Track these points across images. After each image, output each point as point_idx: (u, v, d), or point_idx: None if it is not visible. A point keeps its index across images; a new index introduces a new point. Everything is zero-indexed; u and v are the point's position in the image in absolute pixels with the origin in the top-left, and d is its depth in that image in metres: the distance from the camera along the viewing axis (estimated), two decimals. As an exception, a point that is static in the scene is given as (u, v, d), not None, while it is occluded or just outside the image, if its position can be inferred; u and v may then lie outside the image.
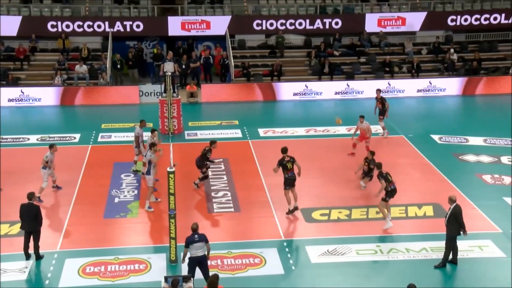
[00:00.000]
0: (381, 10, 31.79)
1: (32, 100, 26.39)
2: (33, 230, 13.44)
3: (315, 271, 13.35)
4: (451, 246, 13.38)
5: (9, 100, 26.23)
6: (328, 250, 14.14)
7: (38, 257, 13.50)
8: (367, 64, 30.17)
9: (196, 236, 12.31)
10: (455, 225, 13.20)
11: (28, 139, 21.48)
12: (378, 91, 22.60)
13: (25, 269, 13.17)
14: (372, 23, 31.10)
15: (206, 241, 12.40)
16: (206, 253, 12.40)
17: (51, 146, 16.74)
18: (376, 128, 21.71)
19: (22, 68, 28.33)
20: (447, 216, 13.31)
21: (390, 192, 15.20)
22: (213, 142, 17.69)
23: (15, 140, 21.39)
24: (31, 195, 13.58)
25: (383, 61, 29.88)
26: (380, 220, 15.57)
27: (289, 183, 15.79)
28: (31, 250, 13.52)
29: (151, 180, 16.11)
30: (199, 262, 12.33)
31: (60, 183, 17.61)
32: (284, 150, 16.05)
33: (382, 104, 22.11)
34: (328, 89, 28.15)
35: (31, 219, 13.38)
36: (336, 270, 13.40)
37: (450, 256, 13.46)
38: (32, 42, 28.96)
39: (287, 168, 15.74)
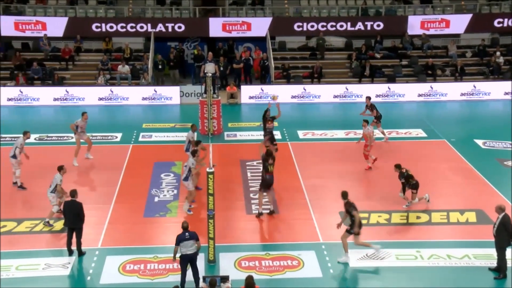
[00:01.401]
0: (424, 12, 31.33)
1: (76, 100, 26.94)
2: (76, 226, 13.68)
3: (353, 275, 13.23)
4: (501, 256, 13.04)
5: (54, 99, 26.83)
6: (367, 254, 13.99)
7: (80, 253, 13.76)
8: (409, 67, 29.77)
9: (187, 234, 12.45)
10: (504, 235, 12.85)
11: (72, 137, 21.88)
12: (368, 98, 22.13)
13: (68, 265, 13.43)
14: (414, 25, 30.66)
15: (197, 239, 12.49)
16: (196, 250, 12.48)
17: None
18: (376, 133, 21.15)
19: (67, 68, 28.95)
20: (496, 225, 12.97)
21: (414, 185, 15.89)
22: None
23: (59, 138, 21.85)
24: (74, 193, 13.82)
25: (425, 64, 29.42)
26: (421, 225, 15.36)
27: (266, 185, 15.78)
28: (74, 247, 13.77)
29: (190, 185, 16.02)
30: (190, 259, 12.45)
31: (101, 181, 17.95)
32: (270, 153, 16.04)
33: (372, 111, 21.66)
34: (368, 92, 27.74)
35: (74, 216, 13.62)
36: (375, 275, 13.25)
37: (496, 264, 13.12)
38: (77, 43, 29.58)
39: (267, 170, 15.75)
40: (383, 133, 21.62)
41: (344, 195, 13.87)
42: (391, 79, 28.82)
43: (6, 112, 25.80)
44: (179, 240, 12.38)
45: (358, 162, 19.67)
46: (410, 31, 30.69)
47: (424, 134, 22.55)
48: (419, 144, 21.43)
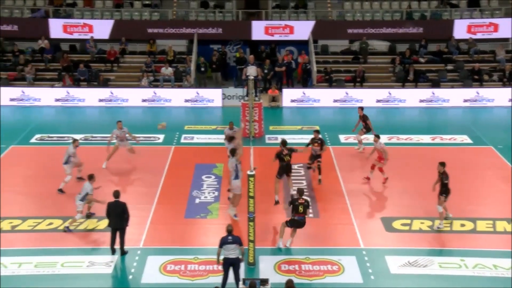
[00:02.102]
0: (471, 16, 30.71)
1: (120, 101, 27.39)
2: (120, 227, 13.88)
3: (394, 282, 13.03)
4: None
5: (99, 100, 27.35)
6: (409, 261, 13.77)
7: (123, 252, 13.96)
8: (454, 71, 29.21)
9: (230, 237, 12.42)
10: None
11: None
12: (360, 109, 21.42)
13: (111, 263, 13.65)
14: (461, 29, 30.12)
15: (240, 243, 12.45)
16: (240, 256, 12.46)
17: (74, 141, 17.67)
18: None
19: (112, 69, 29.49)
20: None
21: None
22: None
23: (103, 138, 22.23)
24: (117, 193, 14.02)
25: (471, 68, 28.82)
26: (465, 233, 15.06)
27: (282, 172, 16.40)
28: (117, 246, 13.98)
29: (239, 187, 15.73)
30: (232, 264, 12.41)
31: (143, 182, 18.18)
32: (284, 143, 16.76)
33: (364, 122, 20.98)
34: (412, 97, 27.49)
35: (117, 217, 13.82)
36: (416, 282, 13.02)
37: None
38: (122, 45, 30.10)
39: (284, 161, 16.39)
40: (360, 142, 20.99)
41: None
42: (436, 84, 28.34)
43: (53, 112, 26.46)
44: (222, 242, 12.40)
45: (399, 168, 19.41)
46: (456, 35, 30.12)
47: (469, 141, 22.09)
48: (464, 151, 21.00)
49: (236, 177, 15.73)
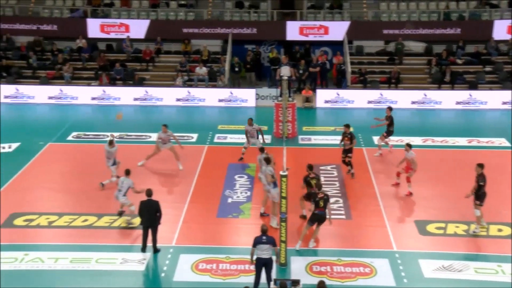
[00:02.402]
0: (512, 17, 30.08)
1: (155, 100, 27.67)
2: (152, 225, 13.97)
3: (428, 286, 12.86)
4: None
5: (134, 99, 27.69)
6: (443, 266, 13.56)
7: (155, 250, 14.10)
8: (492, 73, 28.64)
9: (264, 237, 12.38)
10: None
11: (150, 136, 22.53)
12: (389, 109, 20.71)
13: (143, 261, 13.80)
14: (501, 30, 29.48)
15: (274, 244, 12.40)
16: (273, 256, 12.43)
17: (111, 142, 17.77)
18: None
19: (147, 69, 29.82)
20: None
21: (315, 216, 14.38)
22: (262, 149, 17.58)
23: (138, 137, 22.51)
24: (150, 192, 14.11)
25: (511, 70, 28.19)
26: (503, 238, 14.77)
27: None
28: (149, 243, 14.13)
29: (276, 195, 15.10)
30: (265, 264, 12.37)
31: (177, 181, 18.33)
32: (310, 167, 15.82)
33: (389, 124, 20.34)
34: (448, 99, 27.07)
35: (150, 215, 13.89)
36: (451, 287, 12.80)
37: None
38: (157, 45, 30.41)
39: (311, 186, 15.31)
40: (379, 147, 20.52)
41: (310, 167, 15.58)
42: (473, 86, 27.83)
43: (89, 110, 26.89)
44: (256, 242, 12.41)
45: (434, 171, 19.15)
46: (496, 36, 29.51)
47: (508, 144, 21.64)
48: (502, 154, 20.56)
49: (275, 185, 15.37)
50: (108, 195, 16.99)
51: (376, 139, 21.20)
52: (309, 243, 14.54)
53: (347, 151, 18.72)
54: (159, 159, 19.87)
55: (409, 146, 17.66)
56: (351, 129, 19.26)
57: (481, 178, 14.97)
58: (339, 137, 22.56)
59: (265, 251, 12.35)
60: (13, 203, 16.66)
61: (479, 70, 28.75)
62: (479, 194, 14.98)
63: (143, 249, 14.10)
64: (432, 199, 17.24)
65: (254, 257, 12.44)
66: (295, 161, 19.68)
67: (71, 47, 30.58)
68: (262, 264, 12.38)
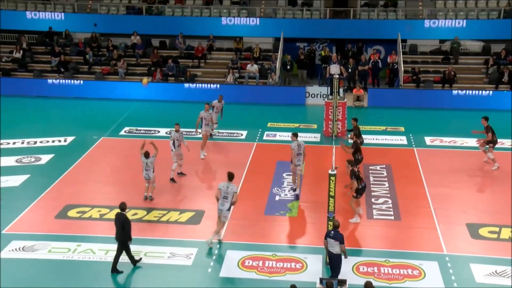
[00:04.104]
0: None
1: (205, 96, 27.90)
2: (122, 241, 13.21)
3: (479, 292, 12.53)
4: None
5: (184, 95, 28.01)
6: (496, 271, 13.18)
7: (134, 263, 13.44)
8: (553, 73, 27.61)
9: (332, 232, 12.49)
10: None
11: (199, 132, 22.73)
12: (485, 119, 19.30)
13: (191, 256, 13.94)
14: None
15: (341, 241, 12.38)
16: (339, 252, 12.43)
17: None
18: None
19: (199, 65, 30.12)
20: None
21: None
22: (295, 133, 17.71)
23: (188, 132, 22.74)
24: (122, 206, 13.32)
25: None
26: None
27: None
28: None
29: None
30: (330, 258, 12.52)
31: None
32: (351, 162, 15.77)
33: (487, 134, 18.98)
34: (507, 99, 26.24)
35: (119, 229, 13.15)
36: (503, 294, 12.45)
37: None
38: (209, 41, 30.68)
39: (362, 180, 15.60)
40: (493, 160, 19.01)
41: (350, 162, 15.58)
42: (532, 87, 26.92)
43: (142, 106, 27.35)
44: (326, 235, 12.60)
45: (489, 173, 18.61)
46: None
47: None
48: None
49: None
50: (157, 190, 17.25)
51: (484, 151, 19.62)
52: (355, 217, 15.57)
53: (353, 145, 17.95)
54: (209, 155, 20.05)
55: None
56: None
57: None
58: (390, 137, 22.38)
59: (331, 246, 12.46)
60: (67, 195, 17.17)
61: (540, 70, 27.77)
62: None
63: (113, 268, 13.23)
64: (486, 202, 16.79)
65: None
66: (344, 160, 19.49)
67: (126, 43, 31.23)
68: (329, 257, 12.56)
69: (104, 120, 24.62)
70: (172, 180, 18.07)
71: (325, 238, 12.61)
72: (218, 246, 14.43)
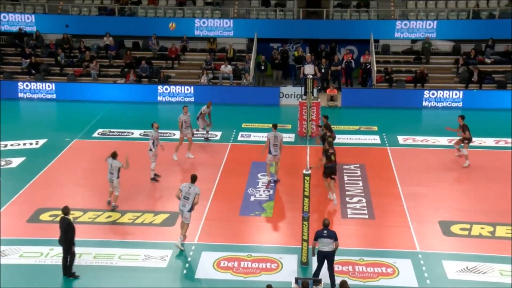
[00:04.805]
0: (543, 15, 29.50)
1: (181, 98, 27.81)
2: (64, 245, 12.90)
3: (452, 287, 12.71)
4: None
5: (159, 97, 27.88)
6: (467, 267, 13.38)
7: (68, 274, 12.98)
8: (522, 73, 28.16)
9: (325, 231, 12.55)
10: None
11: (174, 134, 22.67)
12: (461, 117, 19.67)
13: (166, 258, 13.86)
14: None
15: (335, 239, 12.50)
16: (334, 250, 12.53)
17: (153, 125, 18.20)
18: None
19: (173, 66, 29.99)
20: None
21: (327, 169, 16.55)
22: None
23: (162, 134, 22.63)
24: (65, 210, 13.00)
25: (541, 70, 27.71)
26: (528, 241, 14.52)
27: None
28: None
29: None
30: (326, 257, 12.55)
31: (200, 178, 18.24)
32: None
33: (464, 132, 19.32)
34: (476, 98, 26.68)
35: (62, 233, 12.83)
36: (475, 289, 12.66)
37: None
38: (183, 42, 30.57)
39: (330, 159, 16.41)
40: (466, 157, 19.40)
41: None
42: (502, 86, 27.38)
43: (115, 107, 27.12)
44: (317, 236, 12.60)
45: (459, 171, 18.91)
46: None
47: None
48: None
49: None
50: (131, 192, 17.13)
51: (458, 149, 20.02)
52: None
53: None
54: (183, 156, 20.01)
55: None
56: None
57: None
58: (364, 136, 22.58)
59: (326, 245, 12.52)
60: (39, 198, 16.94)
61: (509, 69, 28.26)
62: None
63: (64, 271, 12.94)
64: (457, 200, 17.04)
65: (316, 250, 12.68)
66: (319, 160, 19.61)
67: (98, 45, 30.95)
68: (324, 257, 12.58)
69: (76, 122, 24.35)
70: (154, 179, 18.06)
71: (316, 239, 12.57)
72: (193, 247, 14.38)
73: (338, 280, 12.66)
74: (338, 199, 16.73)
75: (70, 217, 13.11)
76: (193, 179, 14.36)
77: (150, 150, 18.01)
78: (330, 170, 16.65)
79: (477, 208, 16.36)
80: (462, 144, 19.58)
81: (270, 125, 23.41)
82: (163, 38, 30.79)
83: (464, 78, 27.85)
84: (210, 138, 21.99)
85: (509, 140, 21.83)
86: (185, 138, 20.01)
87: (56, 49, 30.38)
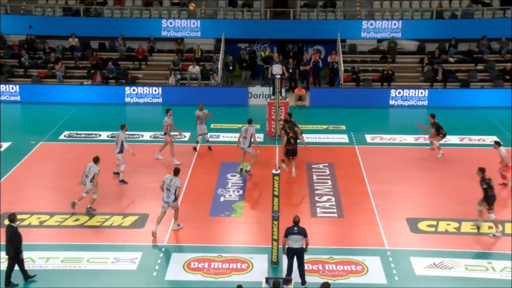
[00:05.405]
0: (504, 15, 30.14)
1: (149, 99, 27.60)
2: (9, 254, 12.54)
3: (419, 283, 12.90)
4: None
5: (127, 98, 27.63)
6: (434, 263, 13.61)
7: (26, 278, 12.78)
8: (485, 71, 28.74)
9: (295, 228, 12.62)
10: None
11: (142, 135, 22.52)
12: (432, 116, 20.38)
13: (135, 260, 13.75)
14: (493, 28, 29.54)
15: (305, 235, 12.59)
16: (303, 246, 12.61)
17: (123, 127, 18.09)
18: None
19: (141, 67, 29.76)
20: None
21: (289, 152, 18.18)
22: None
23: (130, 136, 22.42)
24: (11, 217, 12.67)
25: (503, 68, 28.32)
26: (494, 236, 14.82)
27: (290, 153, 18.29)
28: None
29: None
30: (296, 254, 12.62)
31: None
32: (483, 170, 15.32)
33: (438, 130, 20.07)
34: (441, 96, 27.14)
35: (8, 242, 12.52)
36: (442, 284, 12.86)
37: None
38: (150, 43, 30.34)
39: (491, 187, 15.03)
40: (438, 148, 20.15)
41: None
42: (465, 84, 27.93)
43: (82, 109, 26.78)
44: (287, 233, 12.61)
45: (426, 169, 19.22)
46: (488, 35, 29.61)
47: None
48: (493, 152, 20.59)
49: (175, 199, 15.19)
50: (99, 194, 16.94)
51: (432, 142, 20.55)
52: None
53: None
54: (151, 157, 19.87)
55: (496, 144, 17.84)
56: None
57: (483, 182, 14.97)
58: (332, 136, 22.77)
59: (296, 242, 12.56)
60: (4, 202, 16.57)
61: (471, 68, 28.85)
62: (487, 198, 14.85)
63: (6, 282, 12.52)
64: (424, 197, 17.30)
65: (286, 247, 12.68)
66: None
67: (63, 46, 30.50)
68: (294, 253, 12.62)
69: (42, 125, 23.96)
70: (122, 181, 17.95)
71: (286, 236, 12.62)
72: (163, 249, 14.29)
73: (309, 279, 12.79)
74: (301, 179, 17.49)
75: (17, 223, 12.89)
76: (176, 172, 15.02)
77: (120, 152, 17.83)
78: (291, 153, 18.37)
79: (443, 204, 16.65)
80: (435, 138, 20.15)
81: (239, 125, 23.70)
82: (129, 39, 30.52)
83: (429, 77, 28.31)
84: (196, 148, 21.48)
85: (473, 137, 22.27)
86: (167, 140, 19.75)
87: (19, 50, 29.83)
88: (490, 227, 15.18)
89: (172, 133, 19.79)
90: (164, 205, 14.85)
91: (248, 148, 18.54)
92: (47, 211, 16.06)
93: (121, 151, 17.92)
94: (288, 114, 20.46)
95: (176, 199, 14.80)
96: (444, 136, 20.26)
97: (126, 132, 18.26)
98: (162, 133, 19.97)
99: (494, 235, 14.87)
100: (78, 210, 16.09)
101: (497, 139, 18.59)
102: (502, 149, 17.72)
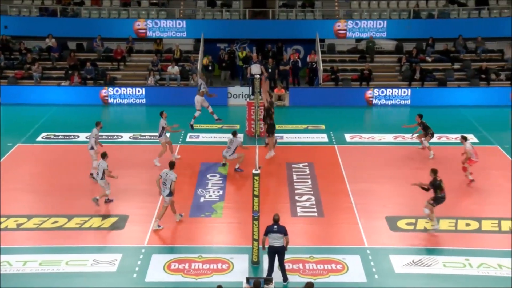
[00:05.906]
0: (479, 15, 30.53)
1: (128, 99, 27.43)
2: None
3: (398, 281, 13.02)
4: None
5: (105, 99, 27.43)
6: (413, 261, 13.74)
7: None
8: (461, 71, 29.09)
9: (275, 226, 12.66)
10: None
11: (121, 136, 22.36)
12: (419, 116, 20.56)
13: (115, 262, 13.66)
14: (469, 28, 29.90)
15: (285, 233, 12.64)
16: (284, 244, 12.66)
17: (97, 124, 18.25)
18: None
19: (119, 68, 29.55)
20: None
21: (440, 199, 15.18)
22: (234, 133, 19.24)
23: (109, 137, 22.28)
24: None
25: (479, 68, 28.69)
26: (470, 232, 15.02)
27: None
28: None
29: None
30: (277, 252, 12.68)
31: (148, 180, 18.19)
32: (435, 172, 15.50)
33: (425, 130, 20.27)
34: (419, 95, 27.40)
35: None
36: (421, 282, 13.00)
37: None
38: (129, 44, 30.14)
39: (441, 188, 15.22)
40: (428, 148, 20.31)
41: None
42: (442, 83, 28.24)
43: (59, 110, 26.51)
44: (267, 231, 12.64)
45: (405, 168, 19.39)
46: (464, 34, 29.98)
47: (476, 140, 21.96)
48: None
49: (170, 194, 15.54)
50: (78, 196, 16.83)
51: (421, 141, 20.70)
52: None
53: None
54: (130, 158, 19.75)
55: (463, 138, 18.25)
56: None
57: (431, 183, 15.22)
58: (312, 135, 22.86)
59: (276, 240, 12.59)
60: (-19, 205, 16.38)
61: (448, 67, 29.17)
62: (437, 199, 15.16)
63: None
64: (403, 196, 17.44)
65: (266, 246, 12.72)
66: (268, 159, 19.75)
67: (40, 46, 30.16)
68: (274, 252, 12.65)
69: (19, 126, 23.66)
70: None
71: (266, 235, 12.67)
72: (142, 250, 14.22)
73: (289, 278, 12.83)
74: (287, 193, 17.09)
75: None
76: (171, 165, 15.33)
77: (93, 149, 17.92)
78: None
79: (421, 203, 16.68)
80: (424, 138, 20.37)
81: (219, 126, 23.72)
82: (108, 39, 30.29)
83: (407, 76, 28.56)
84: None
85: (450, 136, 22.51)
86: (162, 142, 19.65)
87: (-5, 51, 29.44)
88: (467, 225, 15.37)
89: (167, 134, 19.62)
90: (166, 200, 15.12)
91: (230, 157, 18.76)
92: (25, 214, 15.87)
93: (92, 148, 17.97)
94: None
95: (170, 193, 14.93)
96: (432, 135, 20.35)
97: (101, 133, 18.18)
98: (157, 135, 19.78)
99: (434, 229, 15.08)
100: (78, 212, 15.99)
101: (464, 135, 18.82)
102: (468, 143, 18.08)
